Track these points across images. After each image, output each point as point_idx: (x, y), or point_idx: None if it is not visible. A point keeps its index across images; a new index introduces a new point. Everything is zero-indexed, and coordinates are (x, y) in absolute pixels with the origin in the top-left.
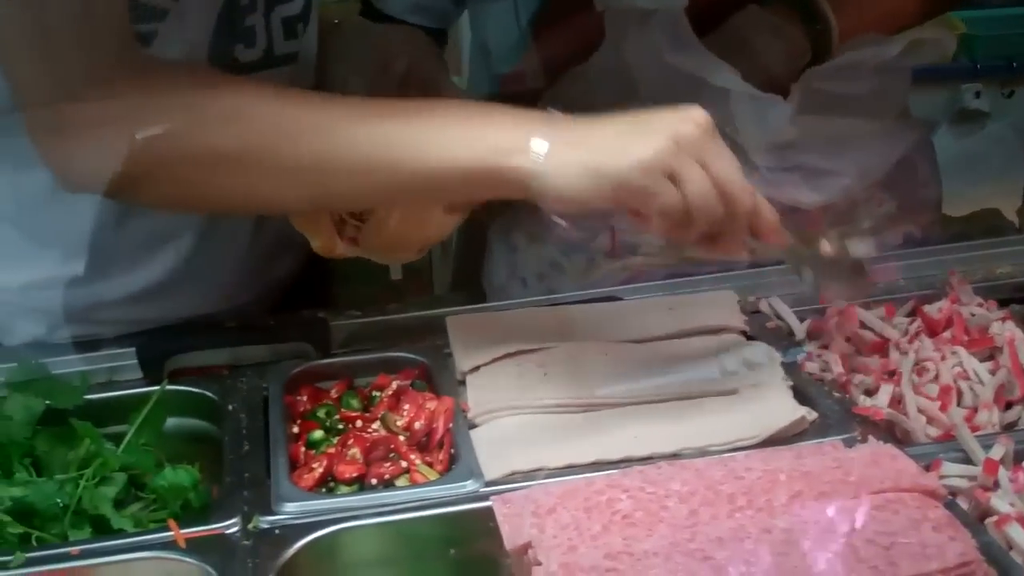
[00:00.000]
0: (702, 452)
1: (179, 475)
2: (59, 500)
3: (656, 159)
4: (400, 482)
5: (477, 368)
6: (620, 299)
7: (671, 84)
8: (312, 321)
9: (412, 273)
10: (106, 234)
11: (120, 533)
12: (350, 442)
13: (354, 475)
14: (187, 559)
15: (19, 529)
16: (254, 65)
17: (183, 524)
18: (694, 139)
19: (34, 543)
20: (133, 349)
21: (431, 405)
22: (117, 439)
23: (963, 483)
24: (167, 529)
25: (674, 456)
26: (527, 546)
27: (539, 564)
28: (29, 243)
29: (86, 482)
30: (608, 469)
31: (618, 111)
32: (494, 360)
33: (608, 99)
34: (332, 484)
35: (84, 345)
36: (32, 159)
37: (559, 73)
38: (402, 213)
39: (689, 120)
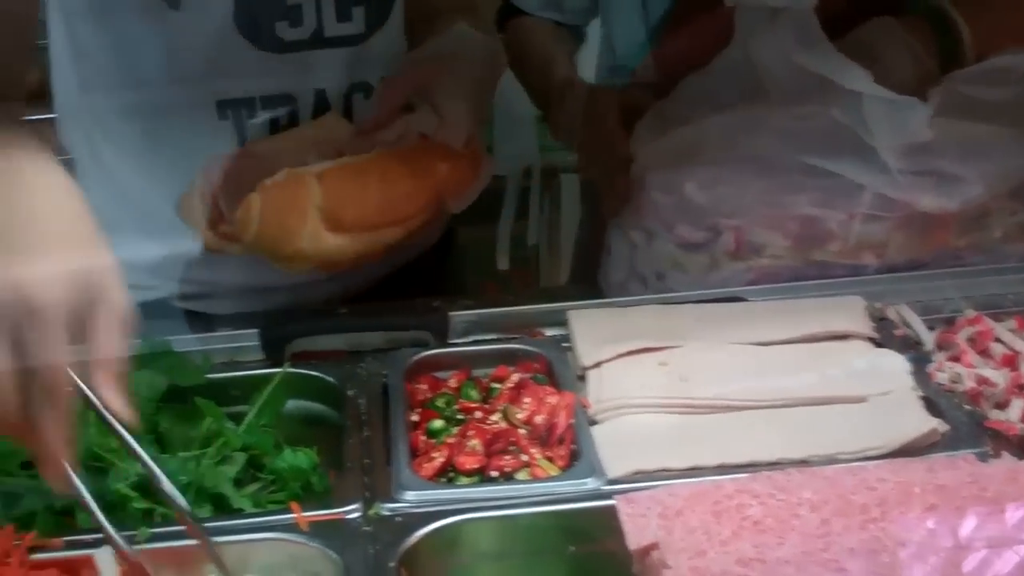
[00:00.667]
0: (830, 460)
1: (298, 457)
2: (182, 477)
3: None
4: (520, 476)
5: (599, 364)
6: (744, 300)
7: (800, 84)
8: (431, 310)
9: (519, 264)
10: None
11: (239, 512)
12: (470, 433)
13: (475, 467)
14: (310, 543)
15: (143, 504)
16: (300, 44)
17: (303, 507)
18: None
19: (157, 519)
20: (256, 331)
21: (552, 399)
22: (236, 419)
23: None
24: (287, 511)
25: (802, 463)
26: (652, 547)
27: (668, 568)
28: (150, 216)
29: (208, 460)
30: (733, 473)
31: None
32: (617, 356)
33: (733, 98)
34: (452, 474)
35: (207, 325)
36: (150, 140)
37: (685, 71)
38: (263, 216)
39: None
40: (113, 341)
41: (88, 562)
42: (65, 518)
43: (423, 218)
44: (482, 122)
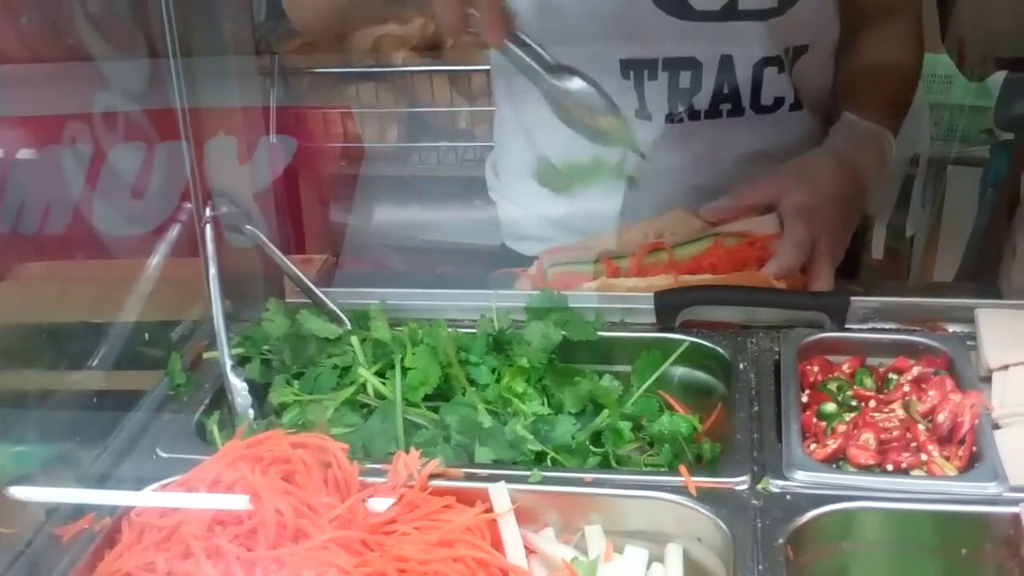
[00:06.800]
0: None
1: (677, 423)
2: (571, 427)
3: None
4: (914, 472)
5: (1006, 367)
6: None
7: None
8: (832, 292)
9: (891, 253)
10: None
11: (625, 469)
12: (863, 425)
13: (868, 463)
14: (699, 508)
15: (537, 447)
16: (711, 15)
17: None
18: None
19: (549, 463)
20: (650, 295)
21: (956, 397)
22: (621, 377)
23: None
24: (675, 474)
25: None
26: None
27: None
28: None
29: (593, 415)
30: None
31: None
32: None
33: None
34: (841, 463)
35: None
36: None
37: None
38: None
39: None
40: None
41: (482, 495)
42: (459, 451)
43: None
44: (828, 254)
